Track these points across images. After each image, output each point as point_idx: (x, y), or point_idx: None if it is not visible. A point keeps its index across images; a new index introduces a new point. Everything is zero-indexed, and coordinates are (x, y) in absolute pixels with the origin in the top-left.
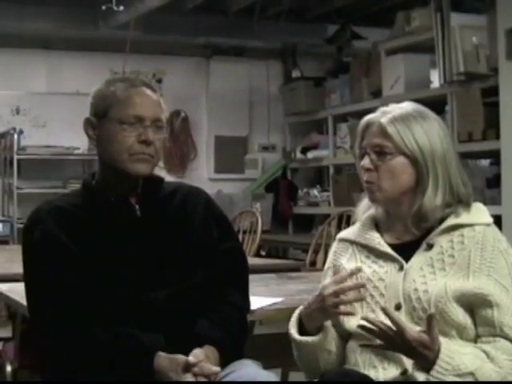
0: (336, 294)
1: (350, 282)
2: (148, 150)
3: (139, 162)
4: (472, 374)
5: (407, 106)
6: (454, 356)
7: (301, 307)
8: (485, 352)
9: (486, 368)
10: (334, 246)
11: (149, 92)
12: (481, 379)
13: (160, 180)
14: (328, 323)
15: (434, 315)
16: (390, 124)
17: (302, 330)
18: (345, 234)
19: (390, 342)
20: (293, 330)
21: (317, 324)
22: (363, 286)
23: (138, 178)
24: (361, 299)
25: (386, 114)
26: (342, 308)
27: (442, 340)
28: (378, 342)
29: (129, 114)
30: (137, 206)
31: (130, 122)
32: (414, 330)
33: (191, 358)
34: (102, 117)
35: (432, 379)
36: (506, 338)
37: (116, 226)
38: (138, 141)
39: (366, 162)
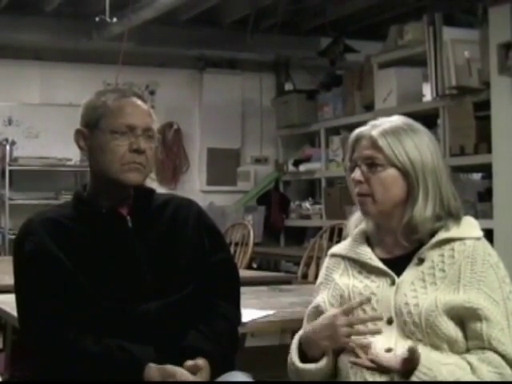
0: (350, 324)
1: (363, 314)
2: (140, 159)
3: (131, 171)
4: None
5: (397, 120)
6: (432, 367)
7: (300, 333)
8: (469, 363)
9: (466, 379)
10: (326, 262)
11: (139, 102)
12: None
13: (151, 191)
14: None
15: (416, 349)
16: (380, 137)
17: (302, 356)
18: (336, 249)
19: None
20: (295, 358)
21: (322, 351)
22: (380, 319)
23: (129, 188)
24: (377, 332)
25: (376, 127)
26: (355, 339)
27: (422, 351)
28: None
29: (120, 124)
30: (128, 218)
31: (121, 131)
32: (397, 361)
33: (190, 362)
34: (94, 127)
35: None
36: (495, 351)
37: (107, 238)
38: (129, 150)
39: (357, 174)
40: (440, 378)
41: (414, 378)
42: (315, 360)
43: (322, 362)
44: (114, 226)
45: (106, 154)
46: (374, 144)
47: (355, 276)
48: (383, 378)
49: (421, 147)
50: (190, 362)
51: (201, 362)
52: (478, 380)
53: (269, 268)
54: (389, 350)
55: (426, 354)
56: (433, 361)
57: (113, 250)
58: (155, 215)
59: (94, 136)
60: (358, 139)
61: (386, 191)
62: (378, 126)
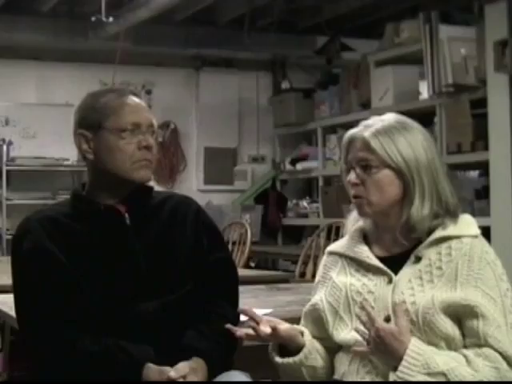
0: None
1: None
2: (148, 156)
3: (142, 168)
4: (444, 374)
5: (390, 118)
6: (423, 353)
7: None
8: (464, 356)
9: (461, 370)
10: (324, 260)
11: (137, 99)
12: (453, 380)
13: (150, 189)
14: (309, 340)
15: (401, 304)
16: (372, 138)
17: (284, 351)
18: (334, 247)
19: (370, 339)
20: (273, 354)
21: (293, 344)
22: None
23: (136, 185)
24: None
25: (368, 128)
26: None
27: (414, 338)
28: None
29: (127, 122)
30: (126, 215)
31: (128, 129)
32: (384, 322)
33: (172, 374)
34: (98, 128)
35: (400, 375)
36: (491, 348)
37: (106, 235)
38: (138, 147)
39: (352, 176)
40: (432, 366)
41: (403, 363)
42: (294, 353)
43: (299, 356)
44: (112, 223)
45: (115, 154)
46: (366, 146)
47: (353, 274)
48: (381, 378)
49: (414, 145)
50: (181, 363)
51: (195, 363)
52: (473, 372)
53: (266, 267)
54: (387, 320)
55: (415, 341)
56: (425, 348)
57: (111, 247)
58: (154, 212)
59: (98, 137)
60: (351, 141)
61: (381, 192)
62: (370, 127)
